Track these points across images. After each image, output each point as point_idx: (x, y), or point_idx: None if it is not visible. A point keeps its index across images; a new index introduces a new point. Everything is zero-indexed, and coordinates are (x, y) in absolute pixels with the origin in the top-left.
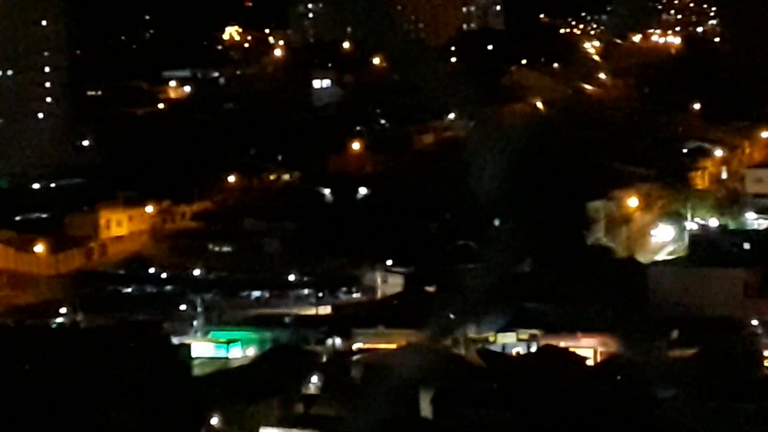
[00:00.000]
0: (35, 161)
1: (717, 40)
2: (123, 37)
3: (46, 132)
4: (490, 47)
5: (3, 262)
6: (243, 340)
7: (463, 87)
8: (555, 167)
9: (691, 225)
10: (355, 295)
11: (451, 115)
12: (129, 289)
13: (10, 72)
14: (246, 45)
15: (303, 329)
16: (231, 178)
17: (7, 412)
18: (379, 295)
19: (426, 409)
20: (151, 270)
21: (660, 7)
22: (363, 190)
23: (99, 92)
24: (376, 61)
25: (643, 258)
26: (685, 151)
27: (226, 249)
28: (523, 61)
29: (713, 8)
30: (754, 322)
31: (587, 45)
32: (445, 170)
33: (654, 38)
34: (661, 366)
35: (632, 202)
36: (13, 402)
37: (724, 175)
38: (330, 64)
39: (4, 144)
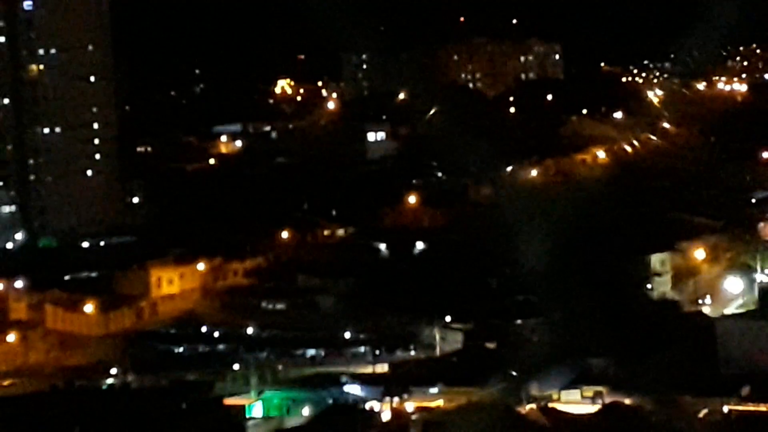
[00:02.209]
0: (84, 219)
1: None
2: (172, 92)
3: (95, 189)
4: (549, 97)
5: (53, 322)
6: (298, 400)
7: (521, 138)
8: (618, 219)
9: (761, 277)
10: (413, 353)
11: (509, 167)
12: (181, 349)
13: (58, 129)
14: (298, 98)
15: (360, 388)
16: (284, 234)
17: None
18: (438, 352)
19: None
20: (203, 329)
21: (725, 54)
22: (420, 245)
23: (149, 148)
24: (432, 112)
25: (711, 311)
26: (753, 200)
27: (279, 306)
28: (584, 111)
29: None
30: None
31: (650, 93)
32: (503, 223)
33: (719, 85)
34: (733, 422)
35: (699, 253)
36: None
37: None
38: (384, 116)
39: (53, 202)
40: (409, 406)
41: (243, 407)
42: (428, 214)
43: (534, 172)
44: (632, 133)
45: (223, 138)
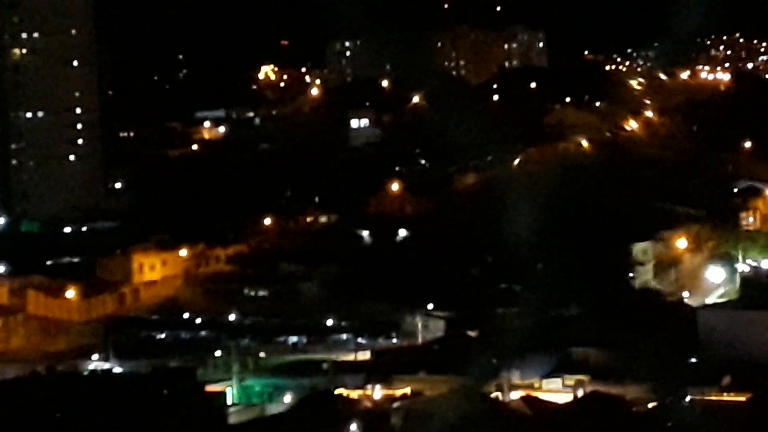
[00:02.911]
0: (67, 204)
1: None
2: (156, 77)
3: (78, 175)
4: (532, 85)
5: (34, 307)
6: (280, 388)
7: (505, 126)
8: (600, 208)
9: (742, 267)
10: (395, 340)
11: (493, 155)
12: (162, 335)
13: (40, 113)
14: (282, 84)
15: (341, 375)
16: (267, 221)
17: None
18: (419, 340)
19: None
20: (185, 315)
21: (708, 43)
22: (402, 233)
23: (131, 134)
24: (416, 99)
25: (693, 301)
26: (735, 190)
27: (262, 293)
28: (567, 99)
29: (763, 44)
30: None
31: (633, 82)
32: (486, 212)
33: (702, 75)
34: (713, 412)
35: (681, 243)
36: None
37: None
38: (368, 103)
39: (35, 187)
40: (391, 394)
41: (224, 394)
42: (411, 202)
43: (518, 161)
44: (615, 122)
45: (207, 124)
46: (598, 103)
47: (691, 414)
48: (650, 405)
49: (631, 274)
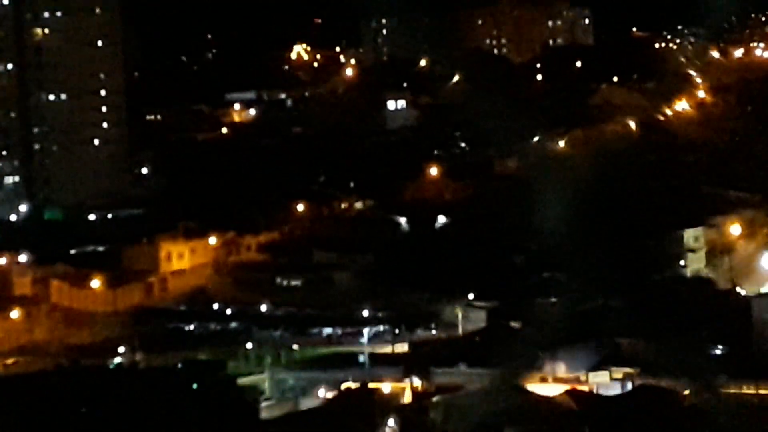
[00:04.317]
0: (91, 191)
1: None
2: (183, 58)
3: (103, 160)
4: (578, 64)
5: (58, 298)
6: (314, 381)
7: (548, 107)
8: (649, 193)
9: None
10: (434, 332)
11: (536, 137)
12: (191, 327)
13: (64, 96)
14: (315, 64)
15: (378, 369)
16: (299, 207)
17: None
18: (460, 331)
19: None
20: (215, 306)
21: (763, 19)
22: (442, 219)
23: (158, 117)
24: (455, 79)
25: (747, 290)
26: None
27: (294, 283)
28: (614, 79)
29: None
30: None
31: (684, 60)
32: (529, 197)
33: (757, 52)
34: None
35: (735, 229)
36: None
37: None
38: (405, 84)
39: (58, 173)
40: (430, 388)
41: (256, 388)
42: (451, 187)
43: (562, 143)
44: (665, 103)
45: (237, 106)
46: (646, 83)
47: (745, 408)
48: (702, 398)
49: (681, 262)
